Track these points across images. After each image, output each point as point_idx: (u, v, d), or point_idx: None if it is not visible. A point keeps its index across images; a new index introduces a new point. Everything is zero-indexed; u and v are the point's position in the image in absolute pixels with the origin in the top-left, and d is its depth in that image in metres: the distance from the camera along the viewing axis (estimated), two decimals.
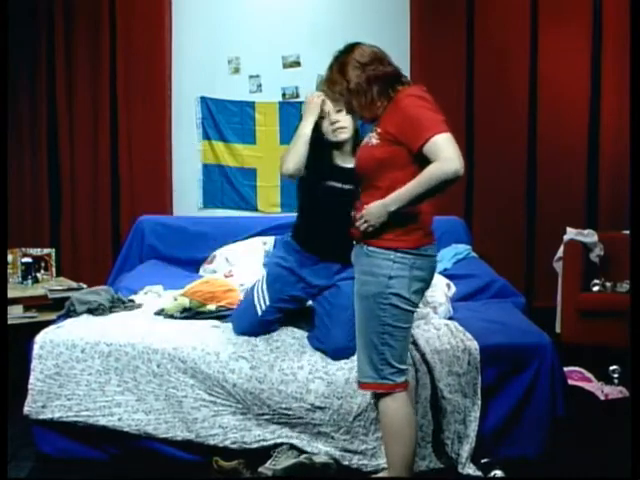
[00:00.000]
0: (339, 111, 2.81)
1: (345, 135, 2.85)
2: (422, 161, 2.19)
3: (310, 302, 3.02)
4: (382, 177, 2.26)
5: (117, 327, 2.97)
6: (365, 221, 2.25)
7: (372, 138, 2.29)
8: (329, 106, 2.83)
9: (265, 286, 2.91)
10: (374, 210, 2.23)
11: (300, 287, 2.93)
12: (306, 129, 2.83)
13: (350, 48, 2.34)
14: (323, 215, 2.90)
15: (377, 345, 2.27)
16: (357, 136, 2.88)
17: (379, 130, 2.28)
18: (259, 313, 2.87)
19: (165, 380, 2.79)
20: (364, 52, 2.32)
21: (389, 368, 2.28)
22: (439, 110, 2.23)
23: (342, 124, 2.83)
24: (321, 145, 2.89)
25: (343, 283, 2.87)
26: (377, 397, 2.36)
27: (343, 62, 2.32)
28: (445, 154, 2.11)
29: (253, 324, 2.88)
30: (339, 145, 2.89)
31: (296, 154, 2.83)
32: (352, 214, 2.38)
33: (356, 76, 2.29)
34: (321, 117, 2.85)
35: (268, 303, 2.88)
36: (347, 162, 2.88)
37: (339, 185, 2.86)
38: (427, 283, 2.36)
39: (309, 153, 2.85)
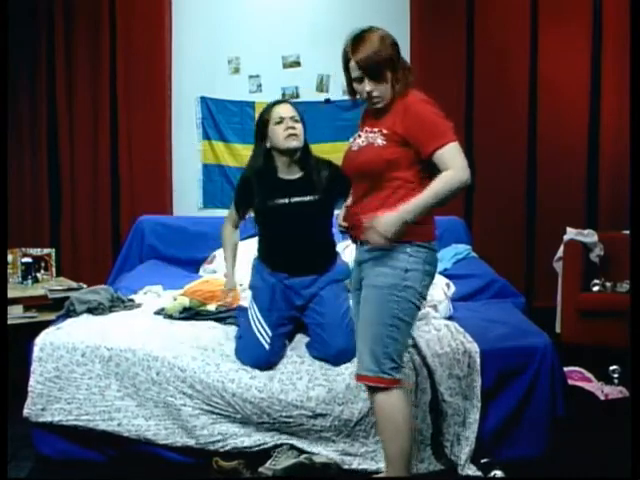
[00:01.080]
0: (296, 121, 2.85)
1: (297, 143, 2.85)
2: (426, 162, 2.23)
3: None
4: (389, 177, 2.27)
5: (118, 330, 2.96)
6: (379, 234, 2.18)
7: (377, 139, 2.28)
8: (287, 113, 2.84)
9: (262, 319, 2.88)
10: (390, 222, 2.16)
11: (289, 306, 2.93)
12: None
13: (376, 28, 2.31)
14: (279, 232, 2.92)
15: (383, 338, 2.26)
16: (307, 149, 2.91)
17: (385, 131, 2.27)
18: (266, 347, 2.82)
19: (163, 388, 2.78)
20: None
21: (390, 363, 2.28)
22: (446, 117, 2.26)
23: (295, 132, 2.84)
24: (265, 162, 2.91)
25: (323, 291, 2.91)
26: (373, 392, 2.34)
27: (383, 35, 2.28)
28: (458, 163, 2.17)
29: (266, 359, 2.80)
30: (287, 154, 2.88)
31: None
32: (343, 213, 2.42)
33: (396, 52, 2.29)
34: (277, 123, 2.84)
35: (270, 333, 2.85)
36: (292, 174, 2.91)
37: (285, 201, 2.87)
38: (433, 279, 2.37)
39: (256, 174, 2.92)
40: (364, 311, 2.32)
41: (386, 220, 2.17)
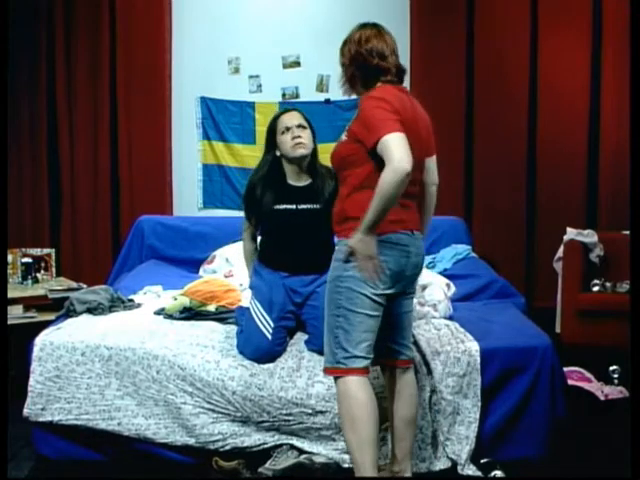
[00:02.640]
0: (303, 128, 2.89)
1: (304, 151, 2.89)
2: (379, 159, 2.21)
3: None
4: (347, 172, 2.34)
5: (118, 330, 2.96)
6: (357, 257, 2.22)
7: (343, 135, 2.37)
8: (292, 122, 2.89)
9: (264, 311, 2.90)
10: (358, 246, 2.19)
11: (289, 302, 2.94)
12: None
13: (369, 25, 2.46)
14: (285, 236, 2.94)
15: (332, 328, 2.30)
16: (315, 154, 2.95)
17: (347, 127, 2.36)
18: (269, 337, 2.84)
19: (164, 386, 2.78)
20: (366, 34, 2.40)
21: (342, 352, 2.28)
22: (398, 111, 2.23)
23: (303, 140, 2.87)
24: (274, 167, 2.94)
25: (320, 288, 2.91)
26: (336, 381, 2.34)
27: (347, 38, 2.45)
28: (393, 156, 2.12)
29: (268, 350, 2.82)
30: (295, 162, 2.92)
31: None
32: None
33: (347, 50, 2.42)
34: (284, 131, 2.88)
35: (273, 325, 2.86)
36: (301, 181, 2.95)
37: (293, 207, 2.91)
38: (392, 270, 2.30)
39: (263, 179, 2.94)
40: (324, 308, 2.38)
41: (354, 245, 2.20)
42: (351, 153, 2.31)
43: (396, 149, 2.12)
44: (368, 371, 2.33)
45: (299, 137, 2.87)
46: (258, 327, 2.86)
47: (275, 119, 2.96)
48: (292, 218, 2.92)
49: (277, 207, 2.93)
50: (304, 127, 2.91)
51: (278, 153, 2.94)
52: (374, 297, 2.29)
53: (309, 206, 2.92)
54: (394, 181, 2.10)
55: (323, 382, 2.74)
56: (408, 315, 2.50)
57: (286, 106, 5.25)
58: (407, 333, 2.52)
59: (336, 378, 2.33)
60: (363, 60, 2.35)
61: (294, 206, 2.92)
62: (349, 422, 2.29)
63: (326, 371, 2.37)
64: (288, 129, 2.88)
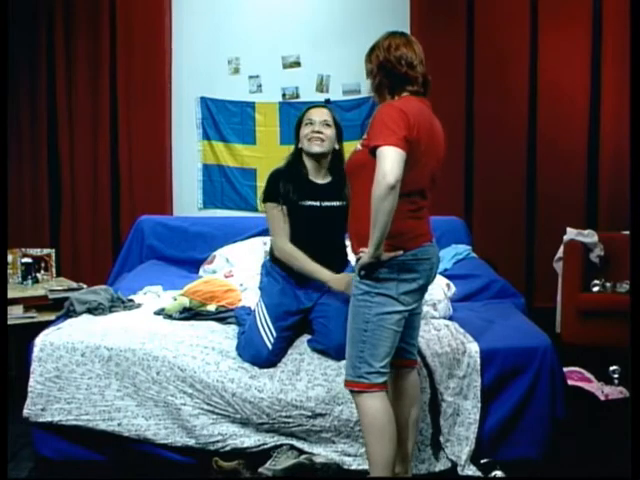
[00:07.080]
0: (327, 126, 2.86)
1: (318, 148, 2.85)
2: None
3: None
4: (360, 184, 2.30)
5: (118, 330, 2.96)
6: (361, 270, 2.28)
7: (359, 144, 2.35)
8: (318, 117, 2.87)
9: (269, 319, 2.87)
10: (360, 266, 2.26)
11: (296, 309, 2.91)
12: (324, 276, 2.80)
13: (398, 34, 2.41)
14: (305, 235, 2.88)
15: (357, 342, 2.30)
16: (340, 155, 2.91)
17: (364, 136, 2.34)
18: (269, 346, 2.81)
19: (164, 388, 2.78)
20: (396, 42, 2.36)
21: (366, 367, 2.29)
22: (412, 126, 2.21)
23: (321, 136, 2.84)
24: (296, 163, 2.91)
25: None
26: (357, 396, 2.35)
27: (375, 44, 2.40)
28: (379, 170, 2.13)
29: (265, 359, 2.80)
30: (312, 158, 2.89)
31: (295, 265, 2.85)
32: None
33: (375, 57, 2.38)
34: (307, 123, 2.87)
35: (275, 334, 2.84)
36: (322, 178, 2.93)
37: (317, 204, 2.86)
38: (421, 284, 2.35)
39: (283, 172, 2.90)
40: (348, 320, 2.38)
41: (363, 262, 2.25)
42: (365, 163, 2.26)
43: (385, 162, 2.13)
44: (387, 386, 2.36)
45: (319, 132, 2.84)
46: (260, 334, 2.83)
47: (303, 112, 2.94)
48: (314, 215, 2.86)
49: (302, 203, 2.86)
50: (329, 125, 2.87)
51: (300, 146, 2.91)
52: (404, 314, 2.32)
53: (332, 203, 2.87)
54: (377, 194, 2.12)
55: (323, 385, 2.74)
56: (418, 316, 2.52)
57: (286, 106, 5.31)
58: (416, 333, 2.54)
59: (356, 392, 2.33)
60: (392, 67, 2.33)
61: (318, 203, 2.87)
62: (376, 437, 2.32)
63: (346, 384, 2.37)
64: (311, 123, 2.86)
